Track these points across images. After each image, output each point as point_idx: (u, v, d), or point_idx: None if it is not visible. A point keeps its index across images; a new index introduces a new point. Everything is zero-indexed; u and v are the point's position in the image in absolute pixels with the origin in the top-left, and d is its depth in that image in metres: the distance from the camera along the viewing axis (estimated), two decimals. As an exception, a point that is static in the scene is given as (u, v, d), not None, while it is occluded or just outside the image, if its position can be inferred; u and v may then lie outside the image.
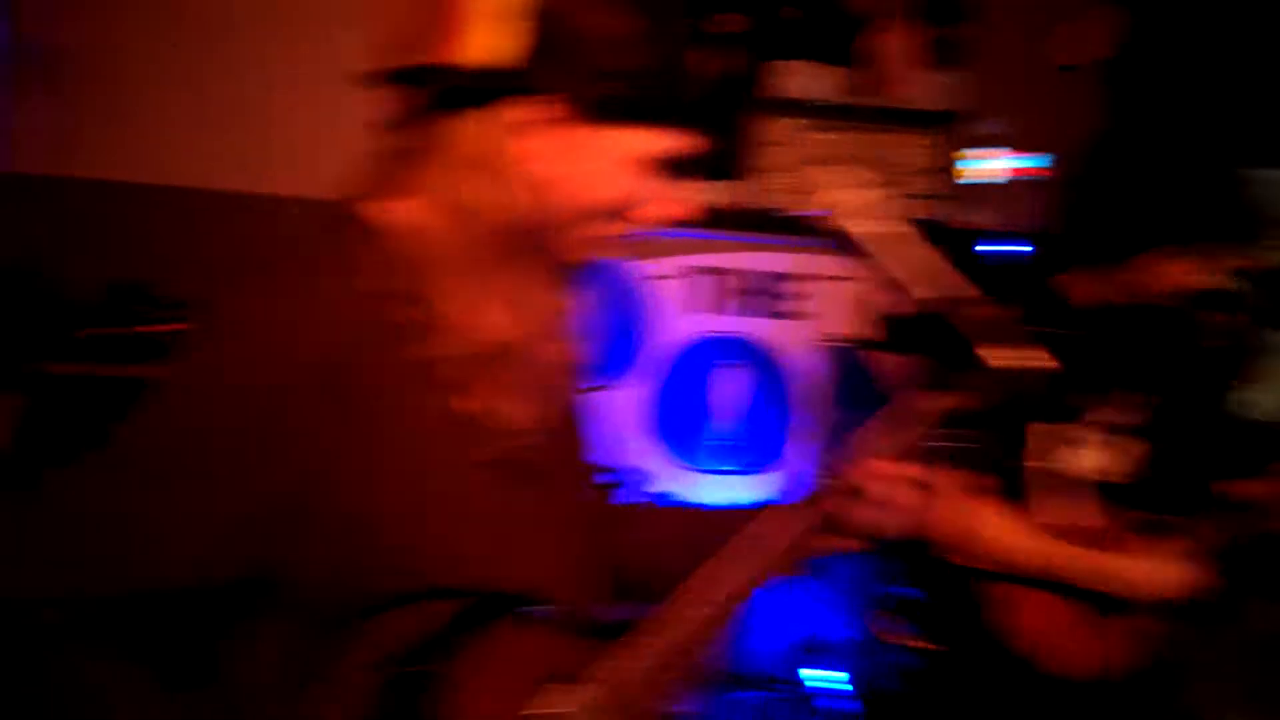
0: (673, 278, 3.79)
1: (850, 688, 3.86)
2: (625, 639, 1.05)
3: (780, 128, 3.75)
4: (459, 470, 0.99)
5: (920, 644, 1.87)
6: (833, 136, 3.79)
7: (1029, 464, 1.84)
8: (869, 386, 2.99)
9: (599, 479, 1.25)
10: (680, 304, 3.80)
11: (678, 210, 1.05)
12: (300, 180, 2.44)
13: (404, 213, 0.97)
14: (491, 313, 0.98)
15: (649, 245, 3.74)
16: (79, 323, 2.80)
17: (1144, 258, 1.82)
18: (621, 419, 3.79)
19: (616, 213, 1.01)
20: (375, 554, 0.95)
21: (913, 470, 1.09)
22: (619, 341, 3.77)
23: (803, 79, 3.77)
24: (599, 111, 0.95)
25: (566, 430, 1.17)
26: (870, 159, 3.82)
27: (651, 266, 3.75)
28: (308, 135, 3.16)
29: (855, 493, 1.10)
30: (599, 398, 3.78)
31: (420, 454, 0.97)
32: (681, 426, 3.84)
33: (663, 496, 3.72)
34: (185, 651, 0.93)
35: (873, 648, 3.91)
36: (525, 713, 0.97)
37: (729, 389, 3.85)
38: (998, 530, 1.76)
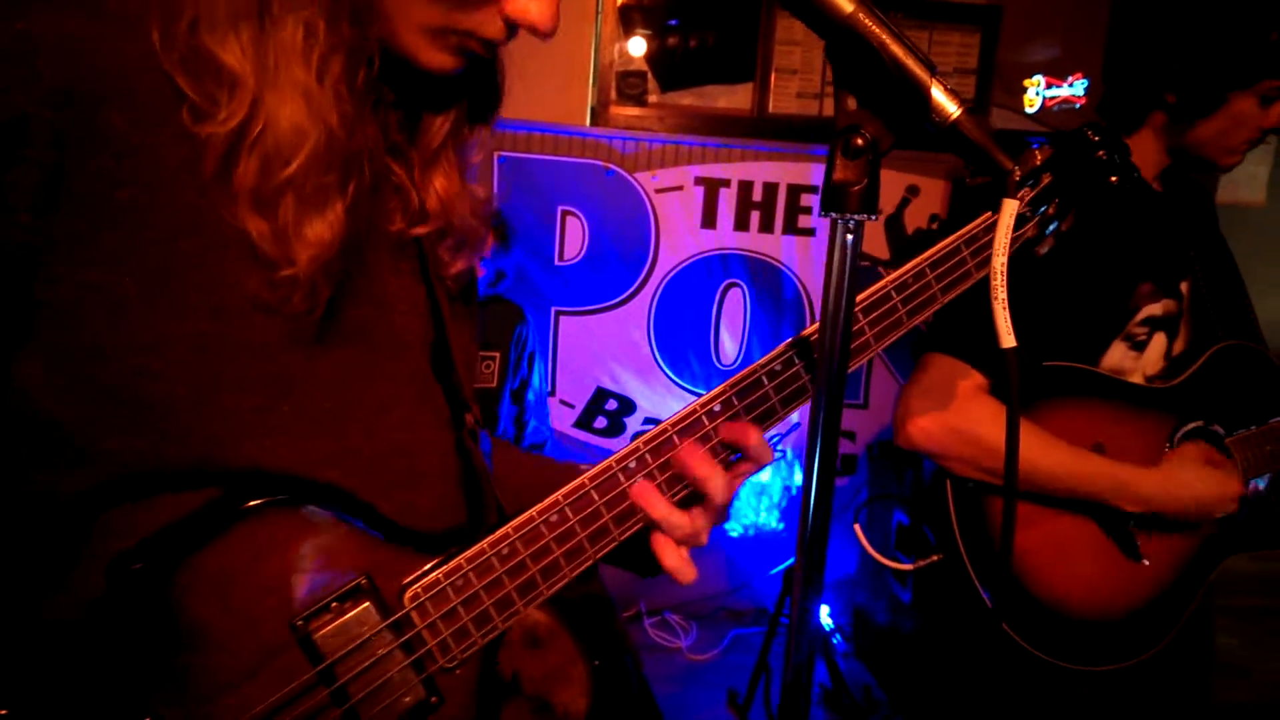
0: (681, 189, 3.53)
1: (837, 621, 3.69)
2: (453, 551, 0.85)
3: (799, 25, 3.43)
4: (234, 307, 0.75)
5: (916, 566, 1.62)
6: (857, 35, 3.46)
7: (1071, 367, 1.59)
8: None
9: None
10: (688, 218, 3.55)
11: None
12: None
13: None
14: (317, 112, 0.74)
15: (657, 155, 3.49)
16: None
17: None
18: (626, 339, 3.59)
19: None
20: (111, 397, 0.73)
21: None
22: (627, 258, 3.55)
23: (825, -31, 3.44)
24: None
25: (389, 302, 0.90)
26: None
27: (658, 177, 3.51)
28: None
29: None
30: (602, 316, 3.57)
31: (185, 272, 0.74)
32: (686, 347, 3.63)
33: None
34: None
35: (864, 580, 3.72)
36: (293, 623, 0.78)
37: (736, 307, 3.62)
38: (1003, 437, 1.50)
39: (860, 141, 0.64)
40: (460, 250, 0.96)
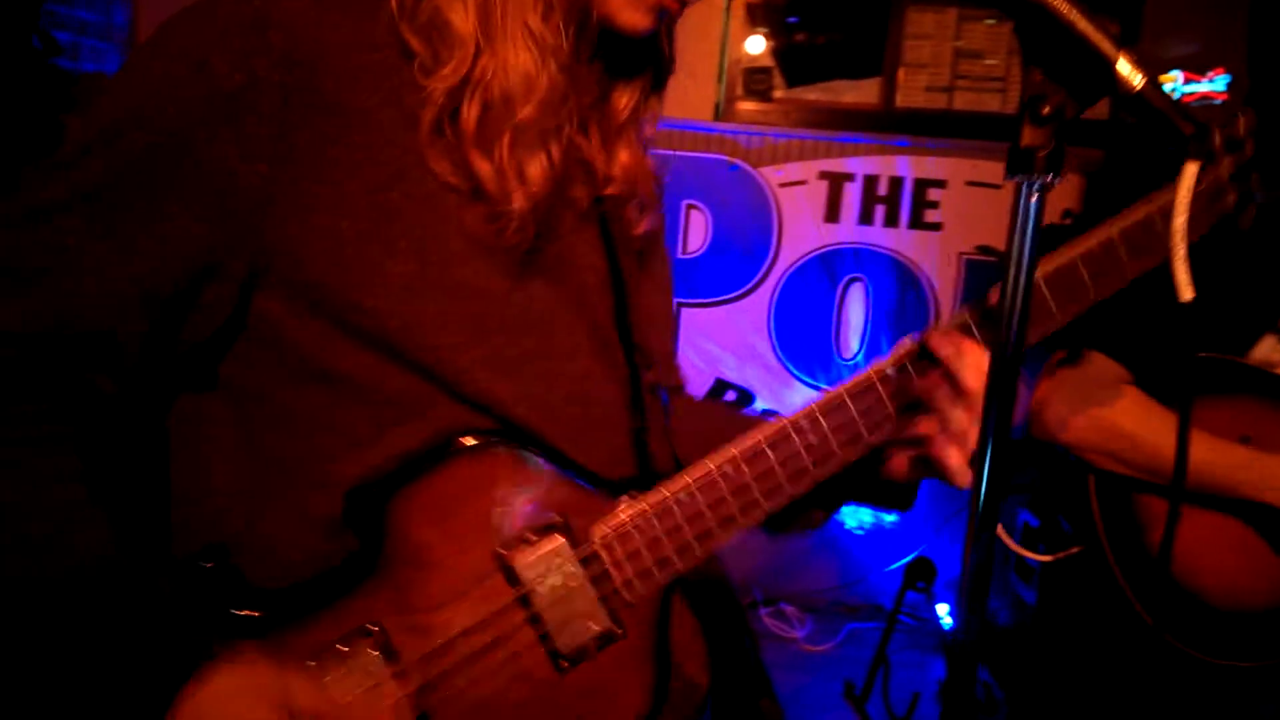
0: (805, 184, 3.56)
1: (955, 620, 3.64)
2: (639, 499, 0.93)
3: (929, 19, 3.42)
4: (437, 250, 0.84)
5: (1055, 558, 1.61)
6: (988, 27, 3.41)
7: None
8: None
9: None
10: (812, 212, 3.58)
11: None
12: None
13: None
14: (525, 60, 0.82)
15: (781, 149, 3.53)
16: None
17: None
18: (746, 331, 3.64)
19: None
20: (350, 339, 0.83)
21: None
22: (749, 251, 3.60)
23: (957, -39, 3.42)
24: None
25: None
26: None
27: (782, 172, 3.54)
28: None
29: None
30: (724, 308, 3.63)
31: (393, 218, 0.82)
32: (806, 340, 3.65)
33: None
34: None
35: (986, 579, 3.66)
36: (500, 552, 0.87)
37: (858, 302, 3.62)
38: (1150, 431, 1.49)
39: (1047, 110, 0.68)
40: (643, 213, 1.04)
